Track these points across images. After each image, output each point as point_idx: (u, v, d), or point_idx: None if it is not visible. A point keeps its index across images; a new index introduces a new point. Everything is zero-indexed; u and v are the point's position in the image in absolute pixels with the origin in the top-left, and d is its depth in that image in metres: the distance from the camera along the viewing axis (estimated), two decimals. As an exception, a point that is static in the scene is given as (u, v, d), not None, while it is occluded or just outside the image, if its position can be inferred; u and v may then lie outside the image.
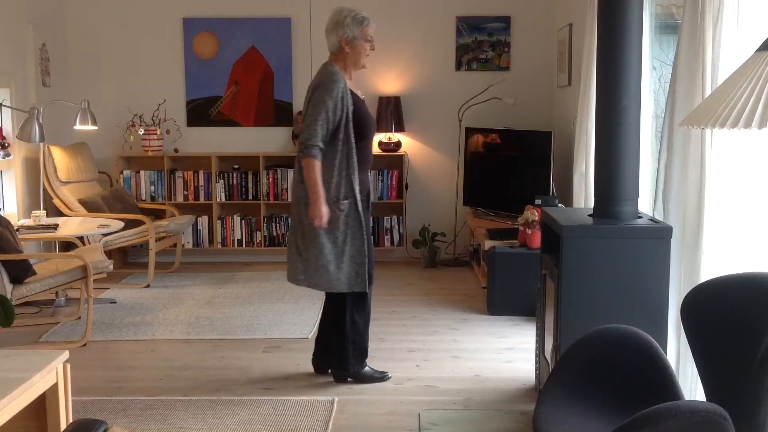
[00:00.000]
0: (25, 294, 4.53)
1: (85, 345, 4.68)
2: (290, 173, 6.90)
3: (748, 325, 2.28)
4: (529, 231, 5.22)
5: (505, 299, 5.23)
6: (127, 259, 7.12)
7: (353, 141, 3.82)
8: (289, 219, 3.90)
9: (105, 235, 5.78)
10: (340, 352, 4.01)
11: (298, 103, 7.03)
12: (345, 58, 3.91)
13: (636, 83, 3.35)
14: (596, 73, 3.56)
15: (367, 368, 4.07)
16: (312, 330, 4.95)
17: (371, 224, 4.09)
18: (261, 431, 3.47)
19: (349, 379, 4.04)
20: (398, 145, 6.92)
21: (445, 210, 7.08)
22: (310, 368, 4.24)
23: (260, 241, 6.96)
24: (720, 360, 2.36)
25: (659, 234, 3.22)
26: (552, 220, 3.48)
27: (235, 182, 6.95)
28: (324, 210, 3.73)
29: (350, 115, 3.81)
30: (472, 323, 5.11)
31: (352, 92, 3.88)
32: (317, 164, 3.73)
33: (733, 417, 1.91)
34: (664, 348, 3.19)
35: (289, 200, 6.88)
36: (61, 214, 6.12)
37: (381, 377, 4.07)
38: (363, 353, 4.04)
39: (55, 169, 6.19)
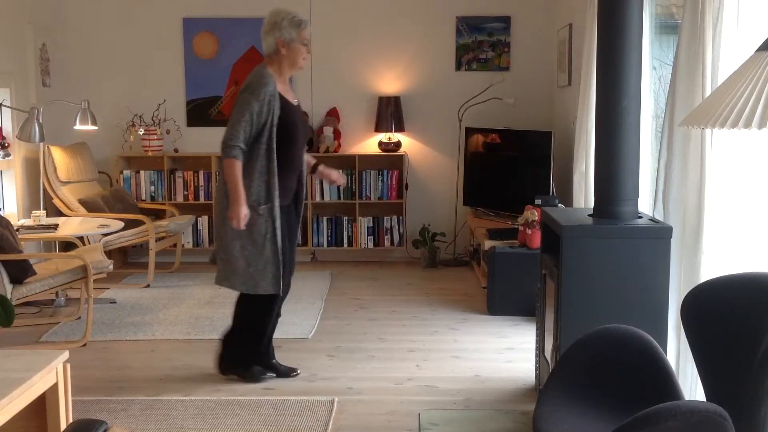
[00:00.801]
0: (25, 294, 4.53)
1: (85, 345, 4.68)
2: (290, 173, 6.90)
3: (748, 325, 2.28)
4: (529, 231, 5.22)
5: (505, 299, 5.23)
6: (127, 259, 7.12)
7: (275, 145, 3.80)
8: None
9: (105, 235, 5.78)
10: (240, 349, 4.07)
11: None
12: (281, 60, 3.89)
13: (636, 83, 3.35)
14: (596, 73, 3.56)
15: (256, 367, 4.13)
16: (312, 330, 4.95)
17: (297, 229, 4.13)
18: (261, 431, 3.47)
19: (235, 376, 4.09)
20: (398, 145, 6.92)
21: (445, 210, 7.08)
22: (310, 368, 4.25)
23: (260, 241, 6.95)
24: (720, 360, 2.36)
25: (659, 234, 3.22)
26: (552, 220, 3.48)
27: (235, 182, 6.94)
28: (243, 211, 3.73)
29: (275, 120, 3.79)
30: (472, 323, 5.11)
31: (283, 96, 3.86)
32: (238, 165, 3.73)
33: (733, 417, 1.91)
34: (664, 348, 3.19)
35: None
36: (61, 214, 6.12)
37: (259, 378, 4.10)
38: (256, 357, 4.11)
39: (55, 169, 6.19)
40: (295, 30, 3.86)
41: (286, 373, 4.16)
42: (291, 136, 3.88)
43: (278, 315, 4.18)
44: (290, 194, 3.98)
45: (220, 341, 4.18)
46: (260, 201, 3.81)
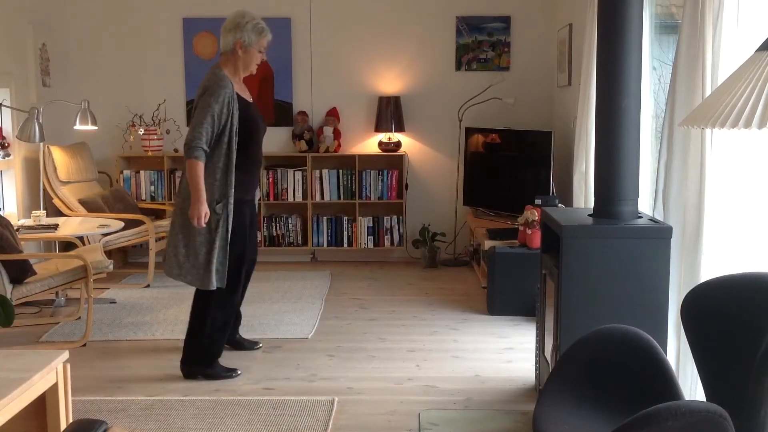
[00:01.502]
0: (25, 294, 4.53)
1: (85, 345, 4.68)
2: (290, 173, 6.91)
3: (748, 325, 2.28)
4: (529, 231, 5.22)
5: (505, 299, 5.23)
6: (127, 259, 7.12)
7: (235, 145, 3.94)
8: (173, 216, 4.12)
9: (105, 235, 5.78)
10: (198, 347, 4.12)
11: (298, 103, 7.04)
12: (236, 61, 4.04)
13: (636, 83, 3.35)
14: (596, 73, 3.56)
15: (218, 367, 4.17)
16: (312, 330, 4.95)
17: (255, 225, 4.35)
18: (261, 431, 3.47)
19: (199, 375, 4.13)
20: (398, 145, 6.92)
21: (445, 210, 7.08)
22: (310, 368, 4.26)
23: (260, 241, 6.96)
24: (720, 360, 2.36)
25: (659, 234, 3.22)
26: (552, 220, 3.48)
27: (235, 182, 6.94)
28: (203, 210, 3.85)
29: (235, 120, 3.93)
30: (472, 323, 5.11)
31: (240, 96, 4.02)
32: (200, 165, 3.86)
33: (733, 417, 1.91)
34: (664, 348, 3.19)
35: (289, 200, 6.93)
36: (61, 214, 6.12)
37: (229, 374, 4.15)
38: (217, 352, 4.17)
39: (55, 169, 6.19)
40: (256, 36, 4.02)
41: (250, 346, 4.50)
42: (251, 133, 4.03)
43: (239, 315, 4.44)
44: (254, 189, 4.20)
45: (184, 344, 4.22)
46: (220, 198, 3.94)
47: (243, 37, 3.99)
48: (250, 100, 4.16)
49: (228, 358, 4.45)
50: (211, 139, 3.88)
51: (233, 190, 3.94)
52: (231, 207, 3.94)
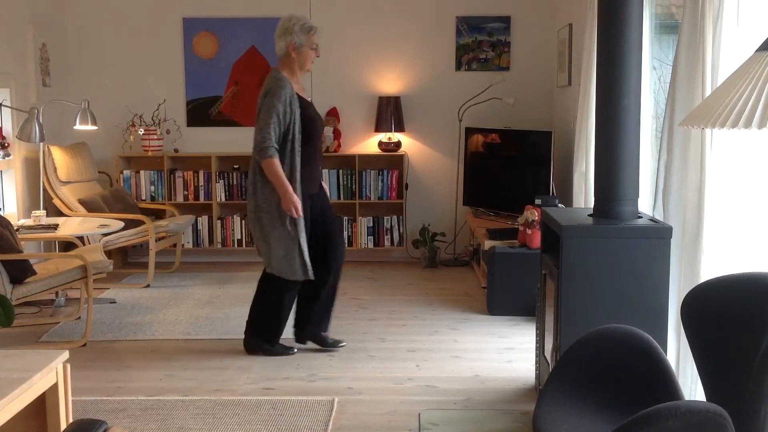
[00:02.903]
0: (25, 294, 4.53)
1: (85, 345, 4.68)
2: (290, 173, 6.91)
3: (748, 325, 2.28)
4: (529, 231, 5.22)
5: (505, 299, 5.23)
6: (127, 259, 7.12)
7: (299, 142, 4.18)
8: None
9: (105, 235, 5.78)
10: (261, 326, 4.46)
11: (298, 103, 7.03)
12: (291, 63, 4.27)
13: (636, 83, 3.34)
14: (596, 73, 3.56)
15: (277, 345, 4.49)
16: (312, 330, 4.95)
17: (331, 215, 4.53)
18: (261, 431, 3.47)
19: (260, 351, 4.45)
20: (398, 145, 6.92)
21: (445, 210, 7.08)
22: (310, 368, 4.26)
23: (260, 241, 6.96)
24: (720, 360, 2.36)
25: (659, 234, 3.22)
26: (552, 220, 3.48)
27: (235, 182, 6.95)
28: (294, 200, 4.14)
29: (297, 118, 4.17)
30: (472, 323, 5.11)
31: (299, 96, 4.23)
32: (277, 162, 4.12)
33: (733, 417, 1.91)
34: (664, 348, 3.19)
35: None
36: (61, 214, 6.12)
37: (287, 352, 4.47)
38: (279, 332, 4.47)
39: (55, 169, 6.19)
40: (305, 35, 4.24)
41: (334, 344, 4.55)
42: (312, 130, 4.27)
43: (317, 297, 4.50)
44: (317, 183, 4.42)
45: (247, 323, 4.52)
46: None
47: (293, 40, 4.22)
48: (309, 99, 4.39)
49: (229, 359, 4.45)
50: (278, 137, 4.13)
51: (299, 185, 4.18)
52: (306, 203, 4.24)
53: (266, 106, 4.13)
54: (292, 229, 4.20)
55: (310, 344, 4.59)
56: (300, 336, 4.58)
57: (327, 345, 4.55)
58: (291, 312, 4.50)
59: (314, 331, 4.55)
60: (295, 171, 4.17)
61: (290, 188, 4.12)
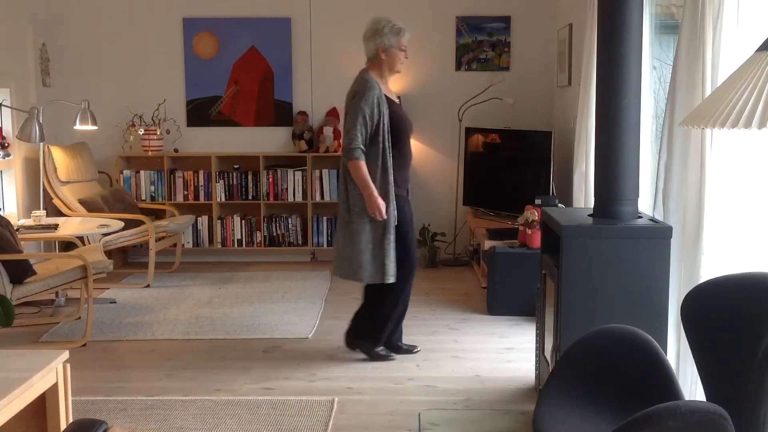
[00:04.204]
0: (25, 294, 4.53)
1: (85, 345, 4.68)
2: (290, 173, 6.91)
3: (748, 325, 2.28)
4: (529, 231, 5.22)
5: (505, 299, 5.22)
6: (127, 259, 7.12)
7: (388, 143, 4.13)
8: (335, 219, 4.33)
9: (105, 235, 5.78)
10: (367, 328, 4.36)
11: (298, 103, 7.04)
12: (381, 65, 4.27)
13: (636, 83, 3.35)
14: (596, 73, 3.56)
15: (380, 350, 4.39)
16: (312, 330, 4.95)
17: (410, 219, 4.34)
18: (261, 431, 3.47)
19: (361, 350, 4.40)
20: (398, 145, 6.91)
21: (445, 210, 7.08)
22: (310, 368, 4.26)
23: (260, 241, 6.97)
24: (720, 360, 2.36)
25: (659, 234, 3.22)
26: (552, 220, 3.48)
27: (235, 182, 6.95)
28: (380, 202, 4.07)
29: (386, 119, 4.12)
30: (472, 323, 5.11)
31: (387, 97, 4.20)
32: (363, 164, 4.07)
33: (733, 417, 1.91)
34: (664, 348, 3.19)
35: (289, 200, 6.94)
36: (61, 214, 6.12)
37: (386, 357, 4.37)
38: (382, 338, 4.38)
39: (55, 169, 6.19)
40: (395, 37, 4.27)
41: (409, 350, 4.47)
42: (401, 131, 4.22)
43: (407, 297, 4.41)
44: (407, 184, 4.34)
45: (352, 318, 4.46)
46: (382, 197, 4.12)
47: (383, 42, 4.25)
48: (397, 100, 4.37)
49: (229, 359, 4.45)
50: (366, 139, 4.09)
51: (392, 186, 4.14)
52: (394, 203, 4.14)
53: (353, 108, 4.11)
54: (381, 231, 4.13)
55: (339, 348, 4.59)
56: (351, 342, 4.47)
57: (402, 351, 4.46)
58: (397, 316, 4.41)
59: (389, 339, 4.44)
60: (387, 172, 4.13)
61: (375, 191, 4.06)
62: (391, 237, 4.14)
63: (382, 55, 4.24)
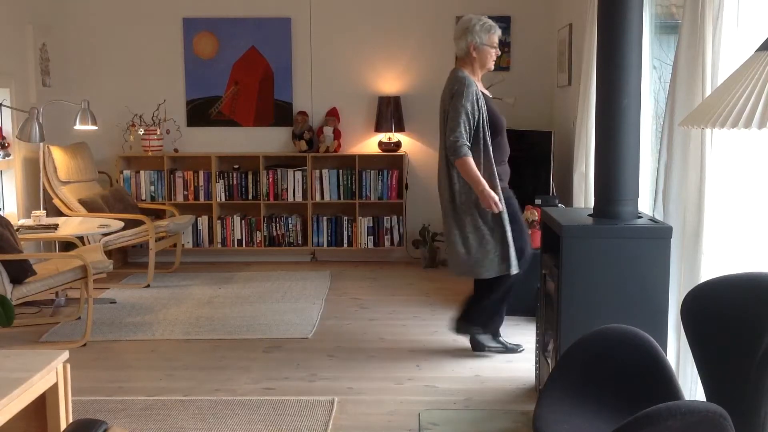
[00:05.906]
0: (25, 294, 4.53)
1: (85, 345, 4.68)
2: (290, 173, 6.91)
3: (748, 325, 2.28)
4: (529, 231, 5.21)
5: (505, 299, 5.21)
6: (127, 259, 7.12)
7: (489, 138, 4.19)
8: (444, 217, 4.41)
9: (105, 235, 5.78)
10: (476, 315, 4.43)
11: (298, 103, 7.04)
12: (472, 62, 4.30)
13: (636, 83, 3.34)
14: (596, 73, 3.56)
15: (485, 335, 4.49)
16: (312, 330, 4.95)
17: (518, 209, 4.42)
18: (261, 431, 3.47)
19: (466, 334, 4.49)
20: (398, 145, 6.91)
21: (445, 210, 7.07)
22: (310, 368, 4.26)
23: (260, 241, 6.97)
24: (720, 360, 2.36)
25: (659, 234, 3.22)
26: (552, 220, 3.48)
27: (235, 182, 6.95)
28: (494, 195, 4.12)
29: (485, 115, 4.18)
30: (472, 323, 5.11)
31: (483, 93, 4.25)
32: (470, 161, 4.11)
33: (733, 417, 1.91)
34: (664, 348, 3.19)
35: (289, 200, 6.94)
36: (61, 214, 6.12)
37: (484, 348, 4.48)
38: (487, 325, 4.48)
39: (55, 169, 6.19)
40: (486, 34, 4.27)
41: (513, 349, 4.50)
42: (498, 125, 4.27)
43: (510, 290, 4.44)
44: (508, 177, 4.38)
45: (461, 305, 4.53)
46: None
47: (474, 39, 4.24)
48: (491, 96, 4.40)
49: (229, 359, 4.45)
50: (469, 136, 4.13)
51: (497, 179, 4.18)
52: (501, 196, 4.19)
53: (454, 107, 4.13)
54: (495, 224, 4.18)
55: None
56: (462, 328, 4.53)
57: (508, 350, 4.50)
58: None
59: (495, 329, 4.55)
60: (490, 165, 4.17)
61: (486, 185, 4.11)
62: (508, 228, 4.18)
63: (473, 53, 4.26)
